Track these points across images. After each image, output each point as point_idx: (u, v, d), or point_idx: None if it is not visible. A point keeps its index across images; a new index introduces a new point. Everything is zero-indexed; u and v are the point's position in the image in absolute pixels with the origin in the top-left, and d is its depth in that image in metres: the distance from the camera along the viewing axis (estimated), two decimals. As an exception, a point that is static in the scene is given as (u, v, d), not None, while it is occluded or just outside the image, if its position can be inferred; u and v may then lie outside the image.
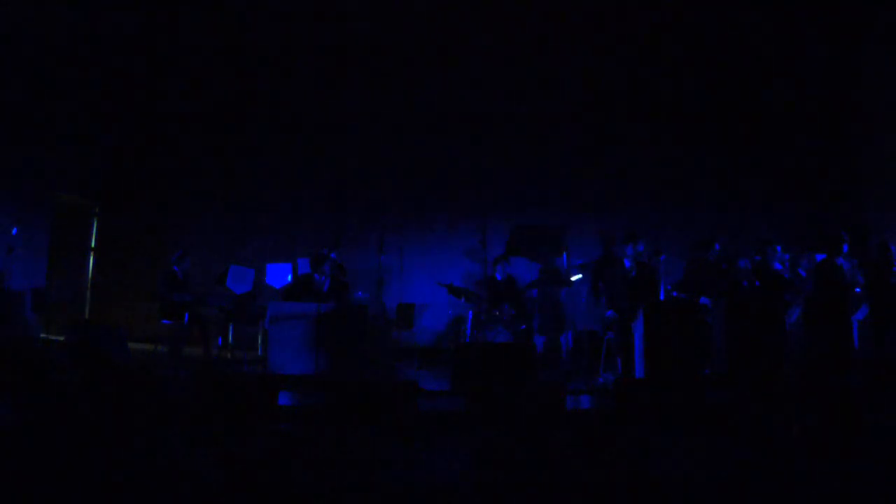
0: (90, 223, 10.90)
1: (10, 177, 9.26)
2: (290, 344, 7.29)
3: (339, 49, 10.85)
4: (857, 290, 7.74)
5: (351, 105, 10.85)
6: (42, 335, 8.75)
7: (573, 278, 9.05)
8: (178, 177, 11.13)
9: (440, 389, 6.85)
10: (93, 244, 10.89)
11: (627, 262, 7.64)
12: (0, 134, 9.20)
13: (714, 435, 5.27)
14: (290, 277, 9.22)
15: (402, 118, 10.76)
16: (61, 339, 8.13)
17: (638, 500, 3.87)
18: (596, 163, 10.40)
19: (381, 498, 3.87)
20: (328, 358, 7.22)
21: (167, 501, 3.76)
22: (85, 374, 5.95)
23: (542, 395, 5.92)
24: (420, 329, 9.83)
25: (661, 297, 7.59)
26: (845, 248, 7.52)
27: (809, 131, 10.41)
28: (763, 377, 6.58)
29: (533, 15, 10.56)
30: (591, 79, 10.54)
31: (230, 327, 8.56)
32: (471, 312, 8.52)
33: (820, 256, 7.88)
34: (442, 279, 9.15)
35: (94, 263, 10.87)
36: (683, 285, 7.94)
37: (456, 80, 10.66)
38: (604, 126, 10.49)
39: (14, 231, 8.40)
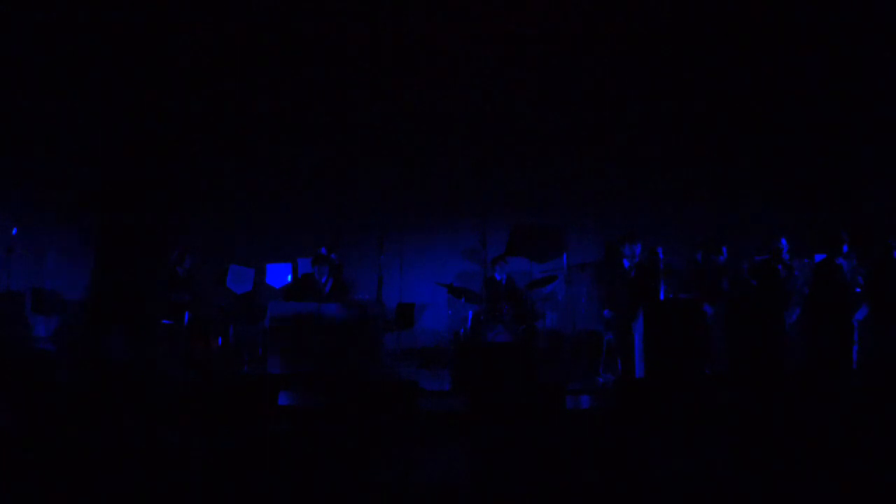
0: (90, 223, 10.87)
1: (10, 177, 9.26)
2: (290, 344, 7.28)
3: (339, 48, 10.84)
4: (857, 290, 7.73)
5: (351, 105, 10.83)
6: (42, 335, 8.75)
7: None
8: (178, 177, 11.10)
9: (440, 389, 6.85)
10: (92, 244, 10.86)
11: (627, 262, 7.63)
12: (0, 134, 9.20)
13: (714, 435, 5.27)
14: (290, 277, 9.22)
15: (403, 118, 10.74)
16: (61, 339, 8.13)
17: (638, 500, 3.87)
18: (596, 163, 10.39)
19: (380, 498, 3.87)
20: (328, 358, 7.21)
21: (167, 501, 3.76)
22: (85, 374, 5.95)
23: (542, 395, 5.93)
24: (420, 329, 9.81)
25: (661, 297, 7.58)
26: (845, 248, 7.52)
27: (809, 131, 10.39)
28: (763, 377, 6.58)
29: (533, 14, 10.55)
30: (591, 79, 10.52)
31: (230, 327, 8.56)
32: (471, 312, 8.51)
33: (820, 256, 7.87)
34: (442, 279, 9.14)
35: (93, 263, 10.84)
36: (684, 286, 7.93)
37: (456, 80, 10.64)
38: (604, 126, 10.48)
39: (14, 231, 8.40)
